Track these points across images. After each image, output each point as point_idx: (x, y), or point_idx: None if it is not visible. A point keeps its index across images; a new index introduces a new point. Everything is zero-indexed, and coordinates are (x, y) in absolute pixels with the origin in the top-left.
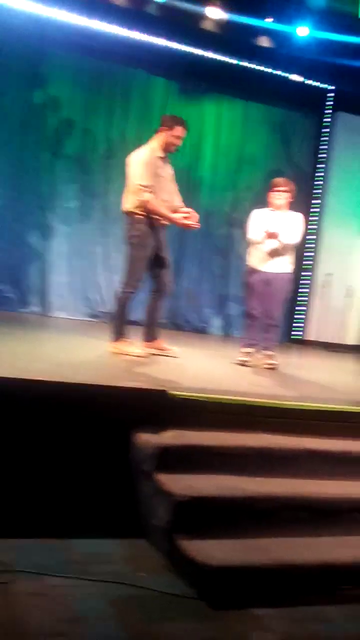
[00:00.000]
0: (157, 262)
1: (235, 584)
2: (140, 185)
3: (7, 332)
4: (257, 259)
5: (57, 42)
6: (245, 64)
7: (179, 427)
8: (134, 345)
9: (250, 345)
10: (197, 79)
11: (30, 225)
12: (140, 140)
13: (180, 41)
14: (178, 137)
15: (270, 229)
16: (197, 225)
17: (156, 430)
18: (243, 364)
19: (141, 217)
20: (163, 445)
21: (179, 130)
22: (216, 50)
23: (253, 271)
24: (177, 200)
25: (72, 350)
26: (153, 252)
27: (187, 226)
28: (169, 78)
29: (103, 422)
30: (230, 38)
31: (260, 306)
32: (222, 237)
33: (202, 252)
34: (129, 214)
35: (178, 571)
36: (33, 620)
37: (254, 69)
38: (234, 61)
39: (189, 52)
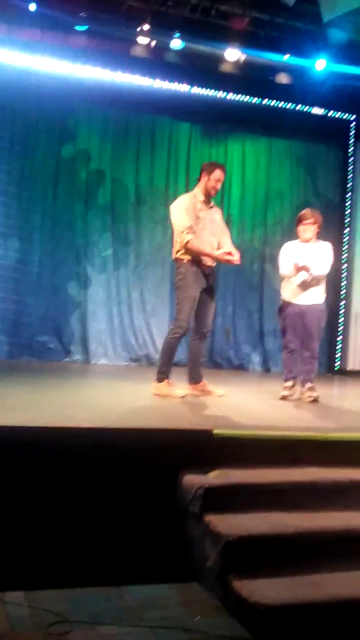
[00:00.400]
0: (201, 304)
1: (291, 623)
2: (182, 227)
3: (51, 382)
4: (290, 292)
5: (83, 97)
6: (265, 101)
7: (224, 466)
8: (176, 387)
9: (290, 379)
10: (220, 120)
11: (67, 275)
12: (168, 185)
13: (201, 85)
14: (218, 180)
15: (300, 263)
16: (238, 261)
17: (202, 470)
18: (285, 398)
19: (186, 260)
20: (209, 486)
21: (218, 174)
22: (236, 90)
23: (287, 304)
24: (226, 241)
25: (114, 395)
26: (199, 294)
27: (228, 262)
28: (193, 122)
29: (149, 465)
30: (249, 78)
31: (297, 339)
32: (255, 273)
33: (236, 288)
34: (176, 259)
35: (231, 612)
36: None
37: (274, 105)
38: (255, 99)
39: (210, 95)
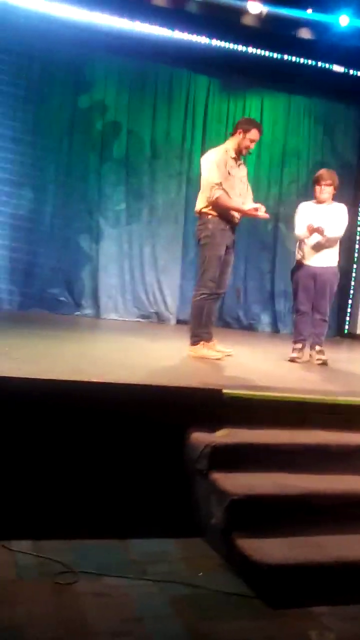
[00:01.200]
0: (222, 264)
1: (293, 582)
2: (213, 182)
3: (62, 335)
4: (304, 254)
5: (100, 46)
6: (286, 57)
7: (232, 425)
8: (212, 348)
9: (300, 341)
10: (239, 74)
11: (79, 229)
12: (184, 139)
13: (221, 38)
14: (253, 141)
15: (314, 224)
16: (267, 215)
17: (210, 429)
18: (294, 360)
19: (214, 217)
20: (217, 444)
21: (254, 134)
22: (257, 44)
23: (300, 266)
24: (249, 201)
25: (124, 351)
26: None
27: (257, 216)
28: (211, 75)
29: (158, 422)
30: (270, 32)
31: (308, 301)
32: (268, 233)
33: (249, 249)
34: (202, 214)
35: (235, 570)
36: (96, 619)
37: (295, 61)
38: (276, 55)
39: (230, 48)
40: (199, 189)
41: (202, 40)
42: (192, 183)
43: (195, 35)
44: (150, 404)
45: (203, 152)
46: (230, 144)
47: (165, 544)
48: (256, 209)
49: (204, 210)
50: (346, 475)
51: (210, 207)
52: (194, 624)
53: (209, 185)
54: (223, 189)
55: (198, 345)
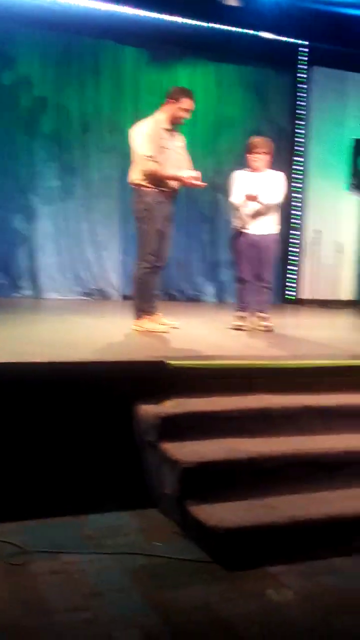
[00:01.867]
0: (160, 237)
1: (248, 544)
2: (145, 155)
3: (1, 318)
4: (242, 222)
5: (22, 20)
6: (214, 25)
7: (179, 395)
8: (157, 322)
9: (243, 309)
10: (167, 44)
11: (13, 209)
12: (115, 112)
13: (146, 8)
14: (185, 110)
15: (249, 192)
16: (203, 184)
17: (157, 400)
18: (238, 328)
19: (149, 189)
20: (165, 415)
21: (186, 103)
22: (184, 14)
23: (239, 234)
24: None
25: (67, 330)
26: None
27: (194, 185)
28: (139, 46)
29: (105, 397)
30: (196, 0)
31: (250, 269)
32: (207, 203)
33: (189, 220)
34: (136, 186)
35: (191, 537)
36: (54, 597)
37: (223, 29)
38: (203, 23)
39: (156, 18)
40: None
41: (127, 10)
42: (126, 156)
43: (119, 6)
44: (95, 381)
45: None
46: (162, 115)
47: (121, 517)
48: (194, 177)
49: (138, 182)
50: (292, 437)
51: (146, 180)
52: (153, 593)
53: (141, 157)
54: (156, 161)
55: (142, 320)
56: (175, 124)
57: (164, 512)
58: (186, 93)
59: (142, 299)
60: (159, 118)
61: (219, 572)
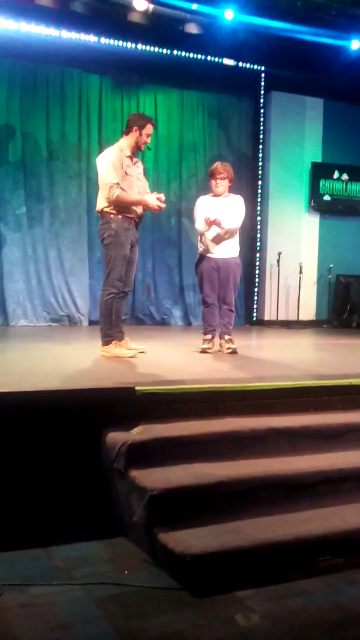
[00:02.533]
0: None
1: (216, 570)
2: (109, 182)
3: None
4: (206, 246)
5: None
6: (176, 52)
7: (148, 421)
8: (124, 347)
9: (209, 332)
10: (130, 71)
11: None
12: (81, 138)
13: (109, 36)
14: (148, 135)
15: (211, 217)
16: (164, 205)
17: (126, 427)
18: (204, 351)
19: (115, 215)
20: (132, 442)
21: (149, 128)
22: (146, 41)
23: (203, 258)
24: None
25: (35, 357)
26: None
27: (159, 208)
28: (103, 74)
29: (73, 425)
30: (158, 28)
31: (214, 292)
32: (172, 228)
33: (155, 244)
34: (103, 213)
35: (160, 564)
36: (23, 631)
37: (185, 56)
38: (165, 50)
39: (119, 45)
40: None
41: (91, 39)
42: (92, 183)
43: (83, 34)
44: (63, 409)
45: (101, 151)
46: (125, 142)
47: (89, 547)
48: (158, 198)
49: (105, 209)
50: (260, 459)
51: (112, 207)
52: (122, 622)
53: (106, 185)
54: (122, 188)
55: (110, 345)
56: (141, 150)
57: (133, 541)
58: (147, 119)
59: (109, 324)
60: (122, 145)
61: (188, 599)
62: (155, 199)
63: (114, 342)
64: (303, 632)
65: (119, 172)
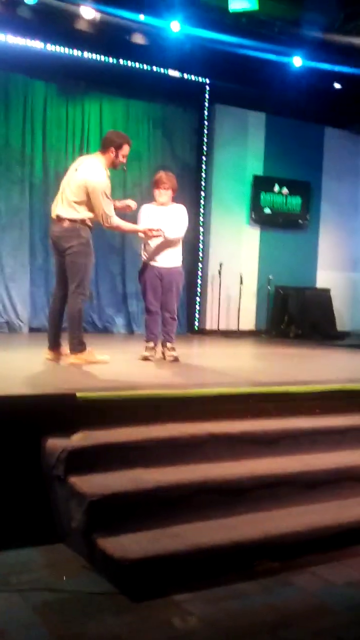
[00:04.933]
0: None
1: (153, 574)
2: (108, 214)
3: None
4: (149, 255)
5: None
6: (122, 61)
7: (88, 428)
8: (96, 352)
9: (152, 340)
10: (75, 79)
11: None
12: (24, 145)
13: (55, 42)
14: (124, 156)
15: (153, 226)
16: (162, 233)
17: (66, 434)
18: (146, 358)
19: (84, 225)
20: (72, 448)
21: (125, 149)
22: (92, 49)
23: (146, 267)
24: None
25: None
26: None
27: (152, 236)
28: (48, 80)
29: (12, 432)
30: (105, 37)
31: (157, 301)
32: (115, 236)
33: (98, 252)
34: (72, 222)
35: (99, 570)
36: None
37: (131, 66)
38: (111, 59)
39: (65, 53)
40: (46, 194)
41: (37, 45)
42: (35, 188)
43: (29, 40)
44: (2, 415)
45: (44, 157)
46: (103, 162)
47: (28, 553)
48: (151, 229)
49: (75, 218)
50: (198, 464)
51: (84, 217)
52: (60, 628)
53: (102, 213)
54: (116, 221)
55: (86, 352)
56: (116, 169)
57: (72, 547)
58: (124, 138)
59: (80, 331)
60: (103, 166)
61: (126, 604)
62: (149, 230)
63: (87, 347)
64: (240, 633)
65: (110, 199)
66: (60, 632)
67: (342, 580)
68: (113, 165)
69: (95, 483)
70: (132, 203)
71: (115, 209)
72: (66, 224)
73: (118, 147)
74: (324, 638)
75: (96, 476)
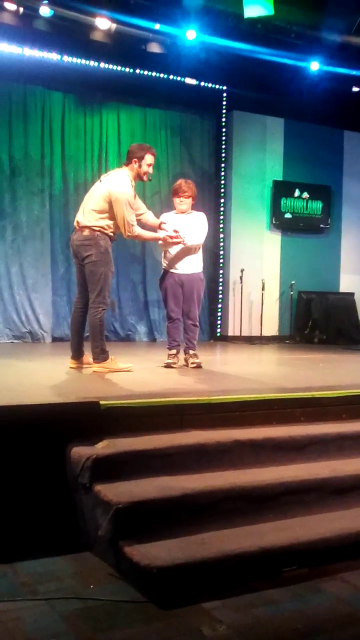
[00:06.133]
0: None
1: (181, 582)
2: (130, 221)
3: None
4: (170, 262)
5: None
6: (138, 71)
7: (112, 435)
8: (119, 360)
9: (174, 347)
10: (93, 89)
11: None
12: (44, 156)
13: (72, 54)
14: (149, 165)
15: (173, 234)
16: (181, 240)
17: (91, 442)
18: (169, 366)
19: (104, 233)
20: (97, 456)
21: (149, 159)
22: (108, 60)
23: (167, 274)
24: (149, 214)
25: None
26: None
27: (173, 244)
28: (66, 91)
29: (37, 440)
30: (121, 47)
31: (178, 308)
32: (136, 245)
33: (119, 261)
34: (92, 230)
35: (126, 578)
36: None
37: (148, 75)
38: (128, 69)
39: (82, 63)
40: (66, 204)
41: (54, 56)
42: (55, 199)
43: (46, 52)
44: (27, 424)
45: (63, 168)
46: (129, 173)
47: (55, 562)
48: (171, 237)
49: (95, 227)
50: (225, 471)
51: (104, 225)
52: (88, 636)
53: (124, 222)
54: (134, 228)
55: (108, 360)
56: (143, 181)
57: (99, 555)
58: (145, 149)
59: (103, 339)
60: (129, 179)
61: (154, 612)
62: (168, 237)
63: (110, 356)
64: None
65: (132, 208)
66: None
67: None
68: (139, 177)
69: (121, 491)
70: (172, 235)
71: (148, 224)
72: (86, 232)
73: (141, 158)
74: None
75: (122, 484)
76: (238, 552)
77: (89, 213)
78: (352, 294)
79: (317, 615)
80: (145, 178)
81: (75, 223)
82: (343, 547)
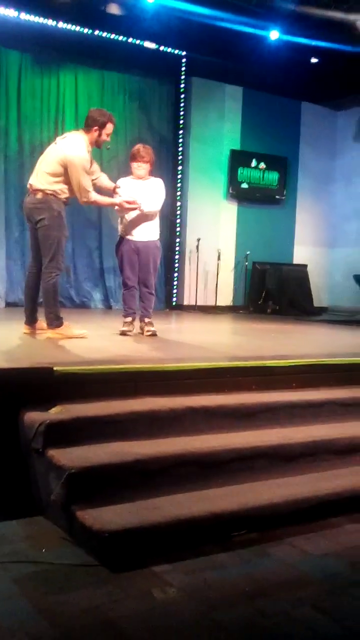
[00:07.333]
0: None
1: (133, 546)
2: (86, 188)
3: None
4: (126, 229)
5: None
6: (97, 32)
7: (66, 401)
8: (74, 327)
9: (129, 315)
10: (51, 50)
11: None
12: None
13: (30, 12)
14: (108, 135)
15: (129, 199)
16: (138, 205)
17: (44, 407)
18: (124, 333)
19: (57, 197)
20: (50, 421)
21: (109, 128)
22: (67, 19)
23: (123, 241)
24: (103, 177)
25: None
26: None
27: (129, 210)
28: (23, 51)
29: None
30: (80, 6)
31: (134, 275)
32: (92, 210)
33: (74, 226)
34: (45, 193)
35: (78, 542)
36: None
37: (107, 37)
38: (87, 30)
39: (40, 22)
40: (22, 166)
41: (10, 13)
42: (10, 160)
43: (3, 8)
44: None
45: (19, 129)
46: (86, 139)
47: (7, 526)
48: (128, 202)
49: (47, 190)
50: (176, 438)
51: (57, 189)
52: (40, 599)
53: (81, 188)
54: (91, 194)
55: (63, 327)
56: (99, 148)
57: (51, 519)
58: (109, 117)
59: (57, 306)
60: (86, 144)
61: (105, 575)
62: (125, 203)
63: (64, 322)
64: (218, 603)
65: (89, 175)
66: (40, 603)
67: (319, 551)
68: (96, 144)
69: (74, 456)
70: (129, 200)
71: (102, 187)
72: (39, 195)
73: (102, 126)
74: (301, 607)
75: (75, 449)
76: (189, 517)
77: (42, 176)
78: (305, 266)
79: (265, 579)
80: (101, 147)
81: (28, 185)
82: (291, 513)
